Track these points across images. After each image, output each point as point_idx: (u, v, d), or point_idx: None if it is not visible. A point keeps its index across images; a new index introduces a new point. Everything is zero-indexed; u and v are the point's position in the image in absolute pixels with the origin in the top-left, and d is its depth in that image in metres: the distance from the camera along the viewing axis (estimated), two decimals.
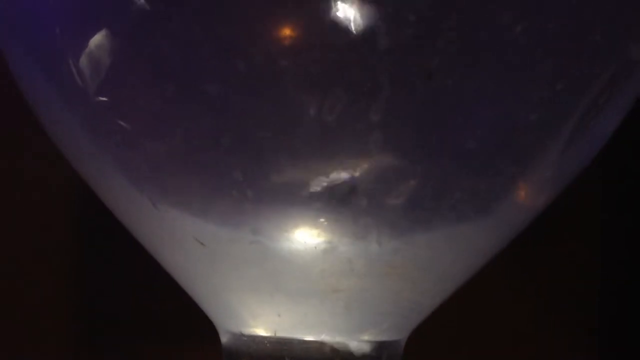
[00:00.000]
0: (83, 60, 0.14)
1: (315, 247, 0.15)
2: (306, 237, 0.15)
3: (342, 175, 0.14)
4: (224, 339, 0.17)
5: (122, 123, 0.15)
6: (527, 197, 0.16)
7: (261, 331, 0.17)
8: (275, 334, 0.16)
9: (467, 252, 0.17)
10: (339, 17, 0.13)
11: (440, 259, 0.16)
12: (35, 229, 0.30)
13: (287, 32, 0.13)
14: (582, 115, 0.15)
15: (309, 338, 0.17)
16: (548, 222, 0.27)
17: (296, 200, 0.14)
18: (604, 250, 0.32)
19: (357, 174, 0.14)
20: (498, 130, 0.15)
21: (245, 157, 0.14)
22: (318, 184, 0.14)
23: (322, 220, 0.15)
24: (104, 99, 0.15)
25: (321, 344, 0.17)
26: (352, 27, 0.13)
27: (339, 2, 0.13)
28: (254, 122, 0.14)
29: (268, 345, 0.17)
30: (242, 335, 0.17)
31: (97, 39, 0.14)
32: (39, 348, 0.30)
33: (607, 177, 0.31)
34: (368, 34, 0.13)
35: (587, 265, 0.31)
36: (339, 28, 0.13)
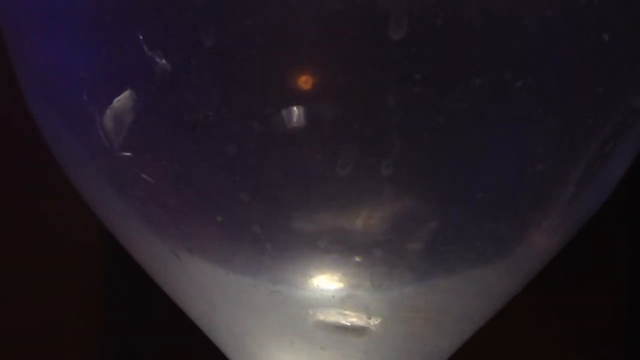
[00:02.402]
0: (108, 120, 0.16)
1: (333, 296, 0.16)
2: (324, 285, 0.16)
3: (357, 226, 0.15)
4: None
5: (145, 177, 0.16)
6: (541, 240, 0.17)
7: None
8: None
9: (485, 294, 0.18)
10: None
11: (460, 301, 0.17)
12: (64, 275, 0.31)
13: (300, 94, 0.14)
14: (589, 164, 0.16)
15: None
16: (573, 256, 0.27)
17: (313, 251, 0.16)
18: (631, 284, 0.32)
19: (372, 224, 0.15)
20: (506, 180, 0.16)
21: (263, 211, 0.15)
22: (334, 236, 0.15)
23: (339, 270, 0.16)
24: (128, 154, 0.16)
25: None
26: (362, 87, 0.14)
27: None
28: (271, 179, 0.15)
29: None
30: None
31: (122, 99, 0.16)
32: None
33: (632, 206, 0.32)
34: (377, 93, 0.14)
35: (613, 297, 0.32)
36: (349, 89, 0.14)
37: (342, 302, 0.16)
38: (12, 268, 0.31)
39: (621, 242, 0.32)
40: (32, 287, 0.31)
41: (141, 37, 0.15)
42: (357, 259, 0.16)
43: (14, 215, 0.31)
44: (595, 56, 0.15)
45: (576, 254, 0.30)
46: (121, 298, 0.31)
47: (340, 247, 0.16)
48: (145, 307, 0.31)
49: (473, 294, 0.18)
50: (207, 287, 0.17)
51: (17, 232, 0.31)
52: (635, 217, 0.32)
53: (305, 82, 0.14)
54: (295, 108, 0.14)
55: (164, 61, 0.15)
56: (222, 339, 0.18)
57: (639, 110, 0.16)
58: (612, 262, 0.32)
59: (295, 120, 0.15)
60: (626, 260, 0.32)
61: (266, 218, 0.15)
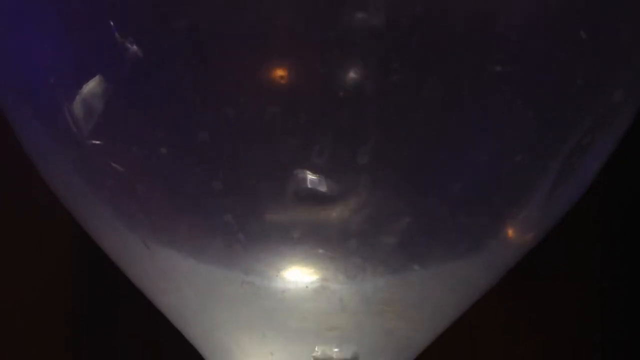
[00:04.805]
0: (77, 106, 0.15)
1: (307, 287, 0.16)
2: (297, 277, 0.16)
3: (333, 216, 0.15)
4: None
5: (115, 166, 0.16)
6: (516, 235, 0.17)
7: None
8: None
9: (459, 288, 0.18)
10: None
11: (434, 295, 0.17)
12: (34, 256, 0.31)
13: (275, 80, 0.14)
14: (567, 157, 0.16)
15: None
16: (545, 257, 0.28)
17: (287, 241, 0.15)
18: (602, 288, 0.32)
19: (347, 215, 0.15)
20: (484, 172, 0.15)
21: (236, 200, 0.15)
22: (308, 226, 0.15)
23: (313, 261, 0.16)
24: (97, 142, 0.16)
25: None
26: (338, 75, 0.14)
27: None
28: (245, 167, 0.15)
29: None
30: None
31: (91, 86, 0.15)
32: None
33: (604, 211, 0.32)
34: (354, 82, 0.14)
35: (586, 300, 0.32)
36: (326, 76, 0.14)
37: (316, 293, 0.16)
38: None
39: (593, 243, 0.32)
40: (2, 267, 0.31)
41: (112, 24, 0.15)
42: (332, 250, 0.16)
43: None
44: (575, 49, 0.15)
45: (548, 254, 0.30)
46: (90, 280, 0.31)
47: (315, 237, 0.15)
48: (116, 289, 0.30)
49: (447, 288, 0.17)
50: (178, 278, 0.17)
51: None
52: (608, 218, 0.32)
53: (280, 68, 0.14)
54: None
55: (135, 47, 0.15)
56: (193, 332, 0.18)
57: (618, 104, 0.16)
58: (583, 264, 0.32)
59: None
60: (597, 263, 0.32)
61: (239, 207, 0.15)
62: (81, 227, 0.18)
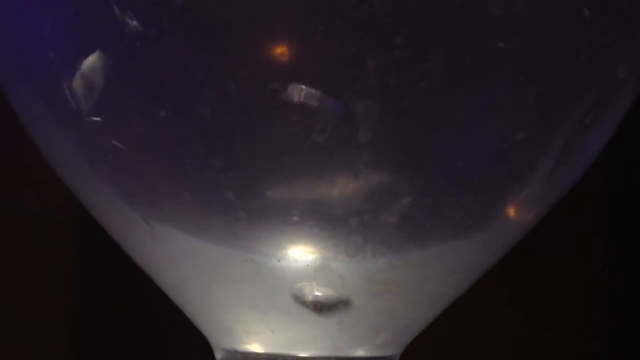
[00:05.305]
0: (77, 82, 0.15)
1: (307, 265, 0.16)
2: (298, 255, 0.16)
3: (334, 194, 0.15)
4: (219, 356, 0.18)
5: (115, 143, 0.16)
6: (518, 214, 0.17)
7: (255, 348, 0.17)
8: (269, 350, 0.17)
9: (460, 268, 0.18)
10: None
11: (434, 275, 0.17)
12: (33, 249, 0.31)
13: (276, 54, 0.14)
14: (569, 134, 0.16)
15: (303, 354, 0.17)
16: (547, 234, 0.27)
17: (288, 219, 0.15)
18: (605, 265, 0.32)
19: (348, 193, 0.15)
20: (486, 150, 0.15)
21: (237, 177, 0.15)
22: (309, 204, 0.15)
23: (313, 239, 0.16)
24: (97, 119, 0.16)
25: None
26: (340, 50, 0.14)
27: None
28: (245, 144, 0.15)
29: None
30: (236, 352, 0.18)
31: (91, 61, 0.15)
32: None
33: (606, 187, 0.32)
34: (355, 57, 0.14)
35: (588, 277, 0.32)
36: (327, 51, 0.14)
37: (316, 272, 0.16)
38: None
39: (595, 220, 0.32)
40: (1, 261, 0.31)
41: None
42: (333, 228, 0.16)
43: None
44: (578, 26, 0.15)
45: (550, 231, 0.30)
46: (91, 274, 0.31)
47: (316, 215, 0.15)
48: (116, 283, 0.30)
49: (448, 268, 0.17)
50: (178, 256, 0.17)
51: None
52: (610, 193, 0.32)
53: (281, 43, 0.14)
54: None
55: (134, 22, 0.14)
56: (194, 310, 0.18)
57: (621, 81, 0.16)
58: (586, 241, 0.32)
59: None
60: (600, 239, 0.32)
61: (240, 184, 0.15)
62: (82, 222, 0.18)
